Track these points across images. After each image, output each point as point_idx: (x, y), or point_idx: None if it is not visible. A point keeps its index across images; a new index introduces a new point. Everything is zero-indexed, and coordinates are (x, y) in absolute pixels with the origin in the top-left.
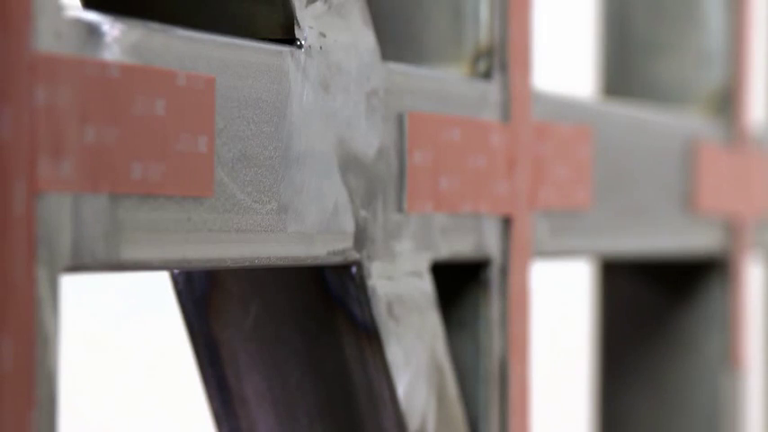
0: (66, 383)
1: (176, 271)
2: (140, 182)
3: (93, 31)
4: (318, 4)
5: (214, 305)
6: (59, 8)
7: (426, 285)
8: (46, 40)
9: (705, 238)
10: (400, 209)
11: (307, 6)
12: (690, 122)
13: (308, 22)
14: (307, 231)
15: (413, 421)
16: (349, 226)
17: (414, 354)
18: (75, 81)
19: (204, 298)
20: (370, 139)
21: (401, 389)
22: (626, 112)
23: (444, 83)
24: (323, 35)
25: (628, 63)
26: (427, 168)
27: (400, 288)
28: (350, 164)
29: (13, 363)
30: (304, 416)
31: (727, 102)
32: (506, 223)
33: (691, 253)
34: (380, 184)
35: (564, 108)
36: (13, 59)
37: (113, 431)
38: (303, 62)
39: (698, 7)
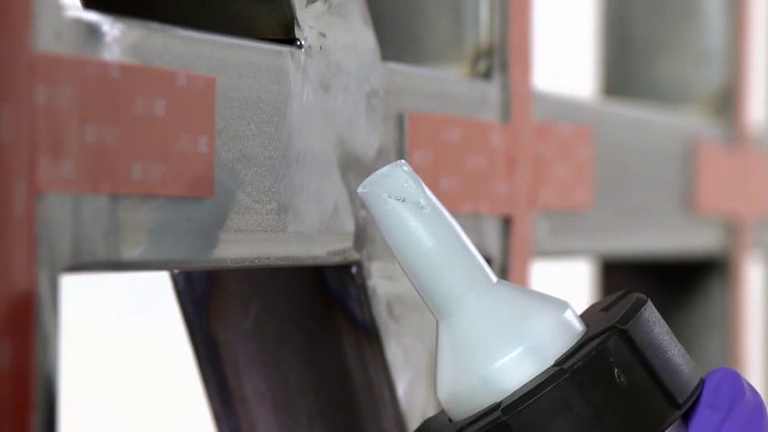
0: (66, 383)
1: (176, 271)
2: (140, 182)
3: (93, 31)
4: (318, 4)
5: (214, 305)
6: (59, 8)
7: None
8: (46, 40)
9: (705, 238)
10: None
11: (307, 6)
12: (690, 122)
13: (308, 22)
14: (307, 231)
15: (413, 421)
16: (349, 226)
17: (414, 354)
18: (75, 81)
19: (204, 298)
20: (370, 139)
21: (401, 389)
22: (626, 112)
23: (444, 83)
24: (323, 35)
25: (628, 63)
26: (427, 168)
27: (400, 288)
28: (350, 164)
29: (12, 363)
30: (304, 416)
31: (727, 102)
32: (506, 223)
33: (691, 253)
34: None
35: (564, 108)
36: (13, 59)
37: (113, 431)
38: (303, 62)
39: (698, 7)
